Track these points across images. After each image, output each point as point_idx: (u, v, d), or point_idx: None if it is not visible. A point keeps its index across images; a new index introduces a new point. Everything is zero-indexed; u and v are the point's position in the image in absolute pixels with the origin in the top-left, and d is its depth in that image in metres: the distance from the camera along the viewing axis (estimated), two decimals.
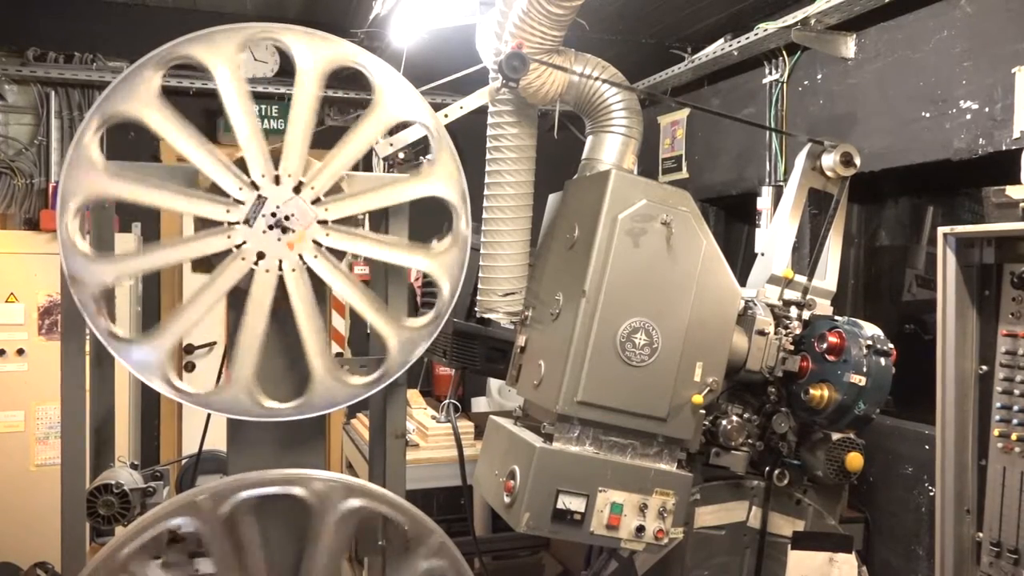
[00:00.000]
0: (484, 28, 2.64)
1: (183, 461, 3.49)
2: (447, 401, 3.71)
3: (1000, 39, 2.75)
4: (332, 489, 1.88)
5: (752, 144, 4.04)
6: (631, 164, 2.41)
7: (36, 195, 4.55)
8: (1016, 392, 2.33)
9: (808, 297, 2.51)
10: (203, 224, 1.88)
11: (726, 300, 2.23)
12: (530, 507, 2.06)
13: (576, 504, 2.08)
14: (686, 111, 4.61)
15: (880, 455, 3.20)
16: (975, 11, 2.86)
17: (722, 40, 4.03)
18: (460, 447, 2.87)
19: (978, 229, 2.37)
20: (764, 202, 3.66)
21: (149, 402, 4.78)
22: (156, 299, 4.87)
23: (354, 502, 1.88)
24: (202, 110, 4.24)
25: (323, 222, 1.89)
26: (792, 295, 2.51)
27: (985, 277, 2.44)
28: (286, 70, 4.57)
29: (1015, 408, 2.32)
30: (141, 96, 1.79)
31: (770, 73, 3.89)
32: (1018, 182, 2.35)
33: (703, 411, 2.20)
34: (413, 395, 4.25)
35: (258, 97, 4.54)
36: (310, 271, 1.89)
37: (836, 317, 2.46)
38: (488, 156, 2.39)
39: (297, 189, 1.87)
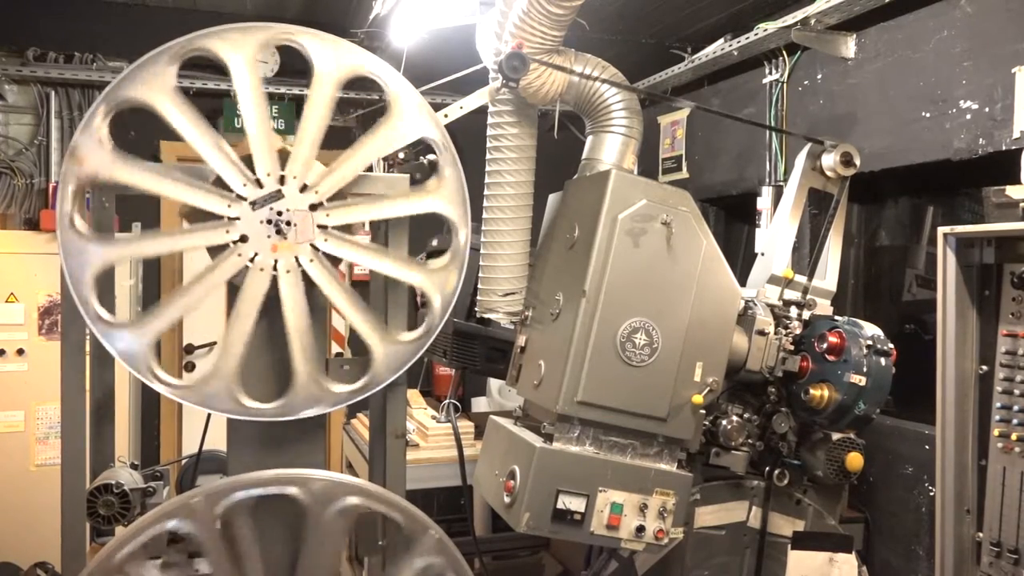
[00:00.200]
0: (484, 28, 2.64)
1: (183, 461, 3.49)
2: (447, 401, 3.71)
3: (1000, 39, 2.75)
4: (327, 488, 1.87)
5: (752, 144, 4.04)
6: (631, 164, 2.41)
7: (36, 195, 4.55)
8: (1016, 392, 2.33)
9: (808, 297, 2.51)
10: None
11: (726, 300, 2.22)
12: (530, 507, 2.06)
13: (576, 504, 2.08)
14: (686, 111, 4.61)
15: (880, 455, 3.20)
16: (975, 11, 2.86)
17: (722, 40, 4.03)
18: (460, 447, 2.87)
19: (978, 229, 2.37)
20: (764, 202, 3.66)
21: (149, 402, 4.78)
22: (156, 299, 4.86)
23: (349, 500, 1.88)
24: (202, 111, 4.23)
25: (322, 227, 1.89)
26: (792, 295, 2.52)
27: (985, 277, 2.44)
28: (286, 70, 4.57)
29: (1015, 408, 2.32)
30: (155, 84, 1.79)
31: (770, 73, 3.89)
32: (1018, 182, 2.35)
33: (703, 411, 2.20)
34: (413, 395, 4.25)
35: None
36: (304, 274, 1.88)
37: (836, 317, 2.46)
38: (488, 156, 2.39)
39: (301, 191, 1.87)
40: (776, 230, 2.68)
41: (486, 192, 2.38)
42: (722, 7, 4.06)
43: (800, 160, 2.66)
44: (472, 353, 2.64)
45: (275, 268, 1.86)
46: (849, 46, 3.42)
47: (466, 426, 3.77)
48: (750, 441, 2.39)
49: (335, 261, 1.93)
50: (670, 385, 2.14)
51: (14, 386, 4.15)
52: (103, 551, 1.79)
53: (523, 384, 2.35)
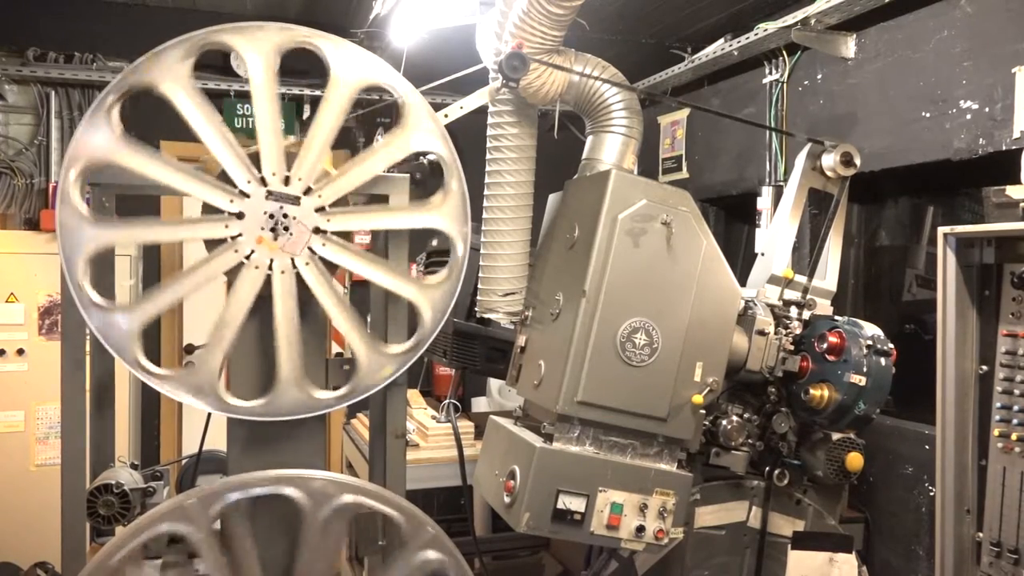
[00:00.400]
0: (484, 28, 2.64)
1: (183, 461, 3.49)
2: (447, 401, 3.71)
3: (1000, 39, 2.75)
4: (323, 487, 1.87)
5: (752, 144, 4.04)
6: (631, 164, 2.41)
7: (36, 195, 4.55)
8: (1016, 392, 2.33)
9: (808, 297, 2.51)
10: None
11: (726, 300, 2.22)
12: (530, 507, 2.06)
13: (576, 504, 2.08)
14: (686, 111, 4.61)
15: (880, 455, 3.20)
16: (975, 11, 2.86)
17: (722, 40, 4.03)
18: (460, 447, 2.87)
19: (978, 229, 2.37)
20: (764, 202, 3.66)
21: (149, 402, 4.78)
22: None
23: (345, 499, 1.88)
24: None
25: (322, 231, 1.89)
26: (792, 295, 2.52)
27: (985, 277, 2.44)
28: (285, 70, 4.56)
29: (1015, 408, 2.32)
30: (169, 73, 1.78)
31: (770, 73, 3.89)
32: (1018, 182, 2.35)
33: (703, 411, 2.20)
34: (413, 395, 4.25)
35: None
36: (298, 277, 1.88)
37: (836, 317, 2.46)
38: (488, 156, 2.39)
39: (305, 194, 1.87)
40: (776, 230, 2.68)
41: (486, 192, 2.38)
42: (722, 7, 4.06)
43: (800, 160, 2.66)
44: (472, 353, 2.64)
45: (270, 267, 1.86)
46: (849, 46, 3.42)
47: (466, 426, 3.77)
48: (750, 441, 2.39)
49: (331, 268, 1.93)
50: (670, 385, 2.14)
51: (14, 386, 4.15)
52: (96, 557, 1.79)
53: (523, 384, 2.35)
